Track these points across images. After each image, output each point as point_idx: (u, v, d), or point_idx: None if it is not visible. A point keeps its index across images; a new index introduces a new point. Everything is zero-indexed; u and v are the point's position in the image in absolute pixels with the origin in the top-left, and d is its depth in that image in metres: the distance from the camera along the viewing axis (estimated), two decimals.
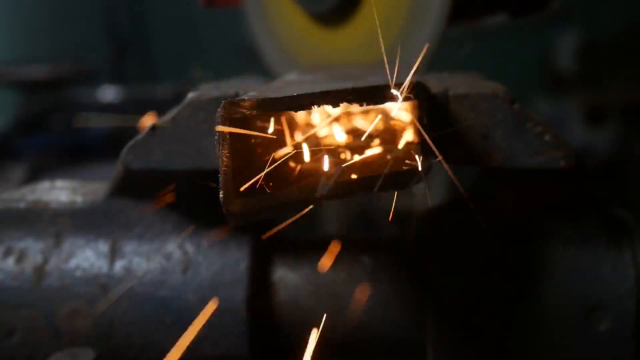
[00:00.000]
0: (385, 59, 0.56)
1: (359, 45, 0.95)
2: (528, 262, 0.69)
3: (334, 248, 0.70)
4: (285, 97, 0.52)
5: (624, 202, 0.78)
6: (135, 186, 0.73)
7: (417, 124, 0.57)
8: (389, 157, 0.58)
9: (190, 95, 0.68)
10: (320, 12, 0.96)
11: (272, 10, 1.07)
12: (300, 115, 0.60)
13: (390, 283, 0.73)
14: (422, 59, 0.57)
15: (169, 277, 0.71)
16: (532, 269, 0.69)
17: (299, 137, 0.59)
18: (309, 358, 0.57)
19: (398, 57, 0.55)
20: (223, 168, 0.52)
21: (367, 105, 0.55)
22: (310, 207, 0.55)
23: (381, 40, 0.68)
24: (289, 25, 1.04)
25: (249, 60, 1.15)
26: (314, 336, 0.59)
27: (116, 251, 0.73)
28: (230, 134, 0.52)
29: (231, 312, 0.70)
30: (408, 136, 0.59)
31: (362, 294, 0.73)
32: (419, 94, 0.55)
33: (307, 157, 0.57)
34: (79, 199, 0.77)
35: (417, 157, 0.56)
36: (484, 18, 1.02)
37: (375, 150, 0.59)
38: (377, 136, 0.61)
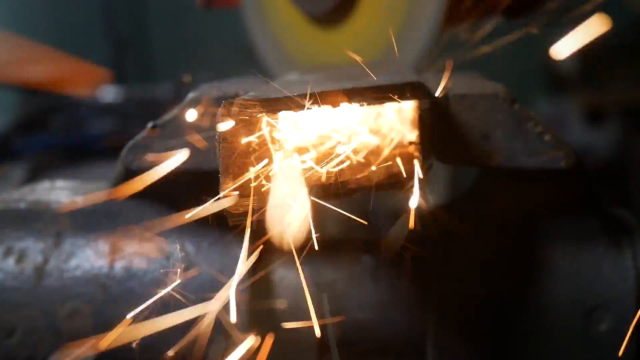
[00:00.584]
0: (383, 59, 0.56)
1: (357, 45, 0.95)
2: (528, 262, 0.69)
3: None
4: (285, 97, 0.52)
5: (624, 202, 0.78)
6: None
7: (417, 123, 0.57)
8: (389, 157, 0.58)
9: (190, 95, 0.68)
10: (318, 13, 0.96)
11: (270, 12, 1.07)
12: (299, 116, 0.59)
13: (390, 283, 0.73)
14: (419, 59, 0.57)
15: (168, 277, 0.71)
16: (532, 269, 0.69)
17: (298, 137, 0.59)
18: None
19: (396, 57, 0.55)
20: (223, 168, 0.52)
21: (367, 105, 0.55)
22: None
23: (378, 40, 0.68)
24: (287, 26, 1.04)
25: (249, 60, 1.15)
26: None
27: (116, 251, 0.73)
28: (230, 134, 0.52)
29: (231, 312, 0.70)
30: (408, 136, 0.59)
31: (362, 294, 0.73)
32: (419, 94, 0.55)
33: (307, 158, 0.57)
34: (79, 199, 0.77)
35: (417, 156, 0.56)
36: (481, 20, 1.02)
37: (375, 151, 0.59)
38: (377, 137, 0.61)
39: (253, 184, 0.54)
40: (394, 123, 0.61)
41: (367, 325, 0.73)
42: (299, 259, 0.76)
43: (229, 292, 0.57)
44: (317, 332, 0.61)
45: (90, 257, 0.73)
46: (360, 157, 0.57)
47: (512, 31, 0.92)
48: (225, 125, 0.52)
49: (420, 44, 0.86)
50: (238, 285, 0.70)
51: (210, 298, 0.65)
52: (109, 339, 0.57)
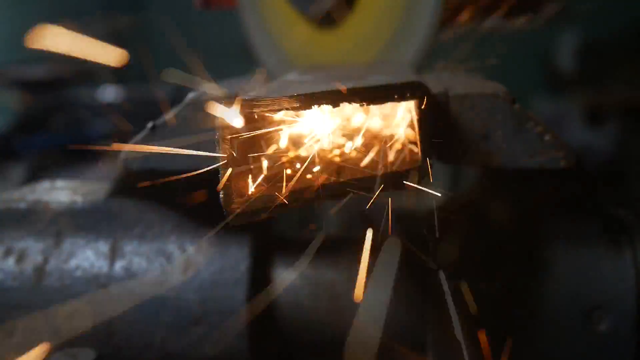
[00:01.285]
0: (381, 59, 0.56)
1: (355, 45, 0.95)
2: (528, 262, 0.69)
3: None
4: (285, 97, 0.52)
5: (624, 202, 0.78)
6: (135, 186, 0.73)
7: (417, 124, 0.57)
8: (389, 157, 0.58)
9: (190, 95, 0.68)
10: (315, 14, 0.96)
11: (268, 12, 1.07)
12: (298, 116, 0.59)
13: (390, 283, 0.73)
14: (417, 59, 0.57)
15: (169, 277, 0.71)
16: (532, 268, 0.69)
17: (298, 137, 0.59)
18: None
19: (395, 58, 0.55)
20: (223, 168, 0.52)
21: (367, 104, 0.55)
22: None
23: (377, 40, 0.68)
24: (285, 26, 1.04)
25: (248, 60, 1.15)
26: None
27: (116, 251, 0.73)
28: (230, 133, 0.52)
29: (231, 312, 0.70)
30: (408, 136, 0.59)
31: (362, 294, 0.73)
32: (419, 94, 0.55)
33: (305, 157, 0.57)
34: (79, 199, 0.77)
35: (417, 156, 0.56)
36: (479, 20, 1.02)
37: (375, 150, 0.59)
38: (377, 137, 0.61)
39: (254, 183, 0.54)
40: (394, 123, 0.61)
41: (367, 325, 0.73)
42: (299, 258, 0.76)
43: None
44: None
45: (90, 257, 0.73)
46: (360, 157, 0.57)
47: (512, 31, 0.92)
48: (224, 125, 0.52)
49: (418, 44, 0.86)
50: (238, 285, 0.70)
51: (210, 297, 0.65)
52: None
